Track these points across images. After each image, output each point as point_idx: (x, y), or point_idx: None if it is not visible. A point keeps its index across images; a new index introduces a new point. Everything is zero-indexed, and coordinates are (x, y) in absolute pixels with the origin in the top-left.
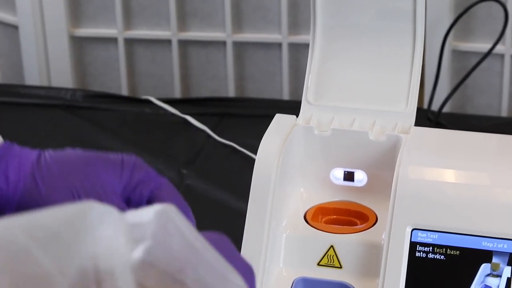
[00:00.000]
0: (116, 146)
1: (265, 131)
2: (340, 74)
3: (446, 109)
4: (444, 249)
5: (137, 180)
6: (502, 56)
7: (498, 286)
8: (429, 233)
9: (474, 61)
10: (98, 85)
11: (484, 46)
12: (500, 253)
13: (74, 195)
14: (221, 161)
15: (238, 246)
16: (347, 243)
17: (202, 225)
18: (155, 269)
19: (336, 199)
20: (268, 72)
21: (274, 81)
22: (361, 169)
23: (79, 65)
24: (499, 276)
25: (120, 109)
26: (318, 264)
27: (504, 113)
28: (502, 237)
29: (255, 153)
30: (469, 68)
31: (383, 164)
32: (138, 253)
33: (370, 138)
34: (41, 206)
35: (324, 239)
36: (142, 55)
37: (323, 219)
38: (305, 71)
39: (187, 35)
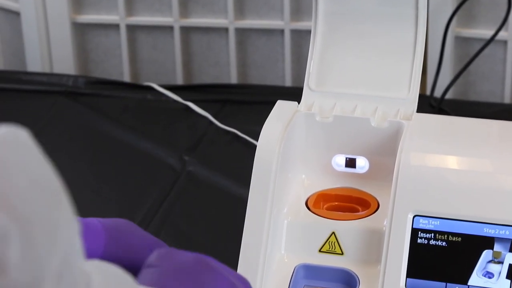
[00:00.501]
0: (118, 133)
1: (267, 118)
2: (342, 60)
3: (448, 96)
4: (445, 236)
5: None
6: (505, 42)
7: (500, 273)
8: (430, 219)
9: (477, 47)
10: (100, 72)
11: (487, 33)
12: (501, 240)
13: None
14: (223, 148)
15: (240, 233)
16: (349, 229)
17: (204, 211)
18: None
19: (338, 185)
20: (270, 59)
21: (276, 67)
22: (362, 156)
23: (81, 52)
24: (501, 262)
25: (122, 95)
26: (320, 251)
27: (506, 99)
28: (503, 223)
29: (257, 140)
30: (472, 54)
31: (385, 151)
32: None
33: (372, 124)
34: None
35: (325, 225)
36: (144, 41)
37: (325, 206)
38: (307, 58)
39: (189, 21)
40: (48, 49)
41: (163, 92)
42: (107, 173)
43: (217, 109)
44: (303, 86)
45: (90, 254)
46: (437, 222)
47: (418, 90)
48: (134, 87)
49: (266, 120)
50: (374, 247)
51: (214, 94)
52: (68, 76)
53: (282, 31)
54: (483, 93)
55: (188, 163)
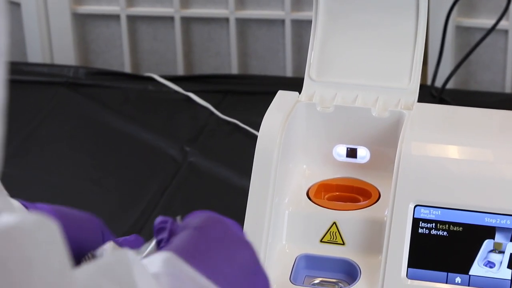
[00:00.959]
0: (118, 123)
1: (267, 108)
2: (342, 50)
3: (449, 85)
4: (447, 226)
5: None
6: (506, 32)
7: (501, 262)
8: (432, 209)
9: (478, 37)
10: (100, 63)
11: (488, 22)
12: (503, 229)
13: None
14: (224, 138)
15: (241, 223)
16: (350, 219)
17: (205, 202)
18: None
19: (339, 175)
20: (271, 49)
21: (277, 57)
22: (363, 146)
23: (81, 43)
24: (502, 252)
25: (122, 86)
26: (321, 241)
27: (507, 89)
28: (505, 213)
29: (258, 130)
30: (473, 44)
31: (386, 141)
32: None
33: (373, 114)
34: None
35: (326, 215)
36: (144, 32)
37: (326, 196)
38: (308, 48)
39: (189, 12)
40: (49, 40)
41: (164, 83)
42: (108, 164)
43: (218, 99)
44: (304, 76)
45: None
46: (438, 212)
47: (419, 80)
48: (134, 78)
49: (267, 111)
50: (375, 237)
51: (215, 85)
52: (69, 67)
53: (283, 21)
54: (484, 83)
55: (189, 153)
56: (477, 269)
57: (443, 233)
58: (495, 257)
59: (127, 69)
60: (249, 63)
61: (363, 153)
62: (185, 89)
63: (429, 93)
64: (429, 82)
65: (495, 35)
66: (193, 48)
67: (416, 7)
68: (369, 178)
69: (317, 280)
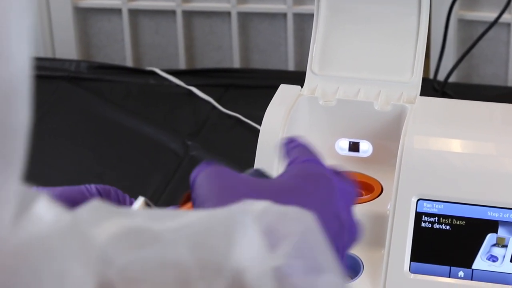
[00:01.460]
0: (120, 117)
1: (270, 102)
2: (345, 44)
3: (452, 79)
4: (449, 219)
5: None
6: (508, 25)
7: (504, 256)
8: (434, 203)
9: (480, 30)
10: (102, 57)
11: (491, 15)
12: (506, 223)
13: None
14: (226, 132)
15: None
16: None
17: None
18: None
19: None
20: (273, 43)
21: (279, 51)
22: (366, 140)
23: (83, 37)
24: (505, 246)
25: (124, 80)
26: None
27: (510, 82)
28: (508, 206)
29: (260, 124)
30: (475, 37)
31: (388, 134)
32: (277, 261)
33: (375, 108)
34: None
35: None
36: (146, 26)
37: None
38: (310, 42)
39: (191, 5)
40: (50, 34)
41: (165, 77)
42: (110, 158)
43: (220, 93)
44: (306, 70)
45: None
46: (441, 205)
47: (421, 73)
48: (136, 71)
49: (269, 104)
50: (378, 231)
51: (216, 79)
52: (71, 61)
53: (284, 15)
54: (487, 76)
55: (191, 147)
56: (480, 263)
57: (446, 227)
58: (498, 251)
59: (129, 63)
60: (251, 57)
61: (366, 147)
62: (187, 83)
63: (432, 87)
64: (431, 75)
65: (497, 28)
66: (195, 42)
67: (418, 0)
68: (372, 172)
69: None
